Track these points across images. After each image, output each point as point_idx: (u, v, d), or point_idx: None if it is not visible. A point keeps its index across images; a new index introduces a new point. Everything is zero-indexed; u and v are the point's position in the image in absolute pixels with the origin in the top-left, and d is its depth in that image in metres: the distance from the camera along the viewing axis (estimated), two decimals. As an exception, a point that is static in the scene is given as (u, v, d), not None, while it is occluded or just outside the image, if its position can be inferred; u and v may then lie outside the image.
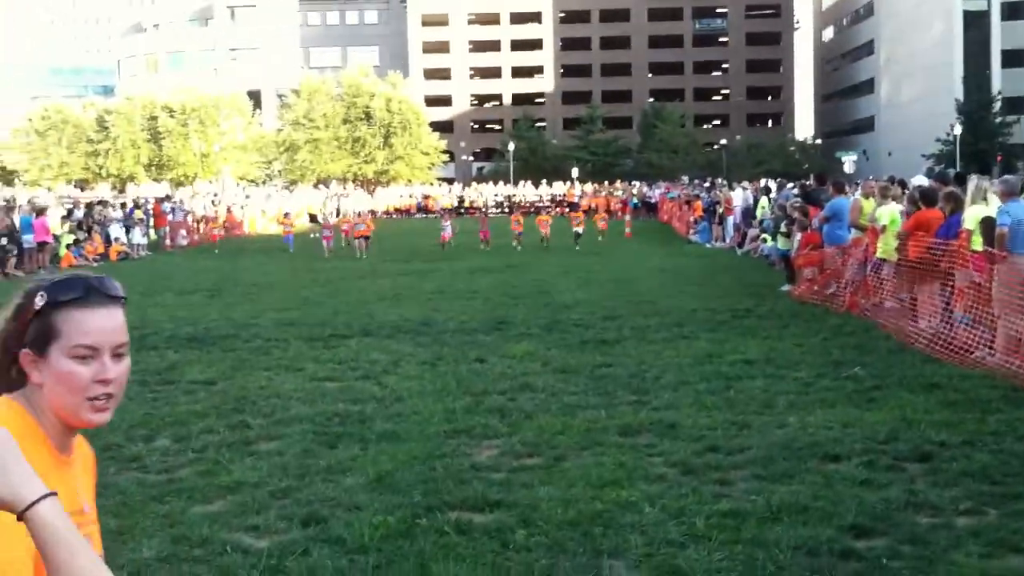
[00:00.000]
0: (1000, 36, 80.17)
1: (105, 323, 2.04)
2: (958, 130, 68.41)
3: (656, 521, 6.44)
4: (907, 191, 17.62)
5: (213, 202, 50.79)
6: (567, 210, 64.80)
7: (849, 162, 68.77)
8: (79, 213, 35.48)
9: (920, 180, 19.30)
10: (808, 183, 27.60)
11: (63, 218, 31.58)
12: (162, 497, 7.21)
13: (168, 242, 39.27)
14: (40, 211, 29.88)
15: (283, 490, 7.31)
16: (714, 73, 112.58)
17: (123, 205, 40.78)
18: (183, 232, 41.38)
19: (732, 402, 9.82)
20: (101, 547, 2.13)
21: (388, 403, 10.14)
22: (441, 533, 6.32)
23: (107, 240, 33.76)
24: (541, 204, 66.27)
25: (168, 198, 48.26)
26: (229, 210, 48.72)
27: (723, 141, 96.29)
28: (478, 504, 6.89)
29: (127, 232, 35.41)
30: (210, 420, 9.55)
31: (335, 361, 12.62)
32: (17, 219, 28.89)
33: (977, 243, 12.19)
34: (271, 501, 7.07)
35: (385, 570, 5.78)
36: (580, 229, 33.44)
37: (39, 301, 2.04)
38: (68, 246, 30.59)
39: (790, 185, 29.62)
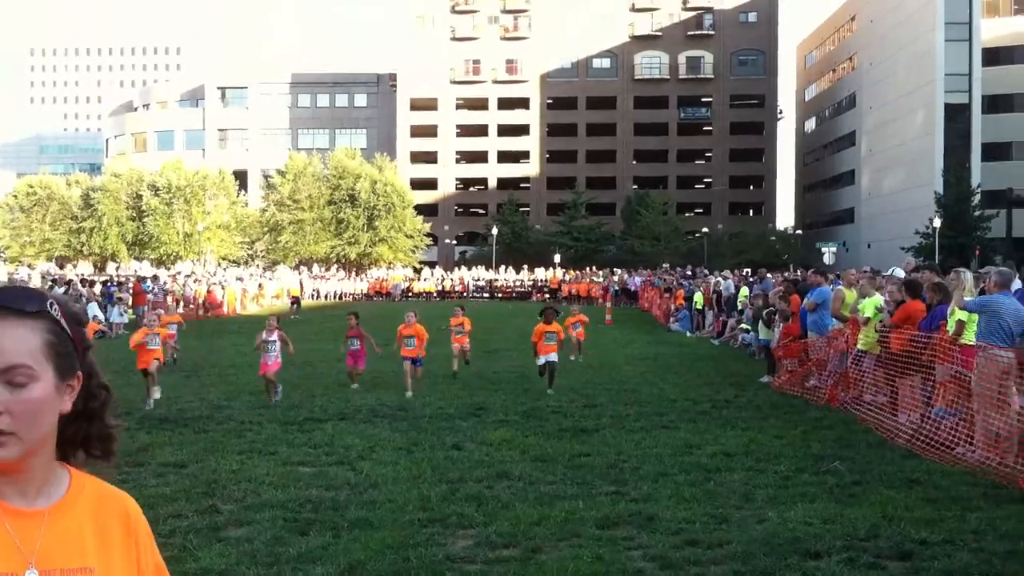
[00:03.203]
0: (981, 129, 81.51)
1: None
2: (937, 223, 69.14)
3: (632, 618, 6.28)
4: (879, 279, 17.68)
5: (186, 283, 50.46)
6: (546, 296, 64.88)
7: (829, 253, 69.26)
8: (58, 290, 35.28)
9: (899, 272, 19.38)
10: (796, 275, 27.73)
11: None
12: (125, 585, 7.00)
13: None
14: (19, 287, 29.72)
15: (251, 579, 7.12)
16: (697, 161, 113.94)
17: (104, 283, 40.63)
18: (161, 311, 41.10)
19: (712, 495, 9.69)
20: None
21: (362, 489, 9.98)
22: (411, 627, 6.15)
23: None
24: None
25: (156, 278, 48.11)
26: (209, 290, 48.54)
27: (705, 229, 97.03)
28: (451, 597, 6.72)
29: (104, 310, 35.19)
30: (179, 504, 9.36)
31: (309, 445, 12.46)
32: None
33: (968, 336, 12.17)
34: (238, 591, 6.89)
35: (352, 666, 5.60)
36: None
37: None
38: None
39: (769, 276, 29.75)
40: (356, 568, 7.34)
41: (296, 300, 50.81)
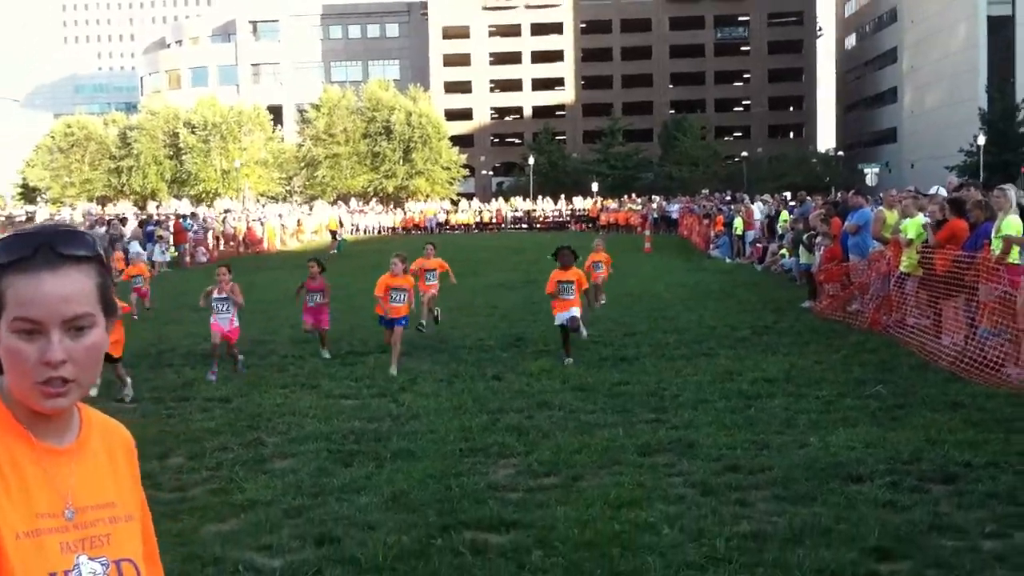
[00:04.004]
0: (1024, 42, 79.55)
1: (51, 290, 1.68)
2: (982, 140, 67.85)
3: (675, 543, 6.33)
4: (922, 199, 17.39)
5: (225, 219, 50.79)
6: (587, 226, 64.58)
7: (872, 174, 68.20)
8: (100, 230, 35.62)
9: (942, 191, 19.07)
10: (837, 197, 27.35)
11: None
12: (175, 515, 7.15)
13: (188, 259, 39.42)
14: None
15: (297, 509, 7.25)
16: (736, 83, 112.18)
17: (143, 222, 40.99)
18: (202, 249, 41.52)
19: (752, 421, 9.69)
20: (133, 546, 1.83)
21: (404, 421, 10.08)
22: (456, 553, 6.24)
23: (127, 256, 33.86)
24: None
25: (195, 215, 48.49)
26: (249, 226, 48.86)
27: (744, 153, 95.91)
28: (494, 524, 6.80)
29: (143, 247, 35.53)
30: (225, 437, 9.51)
31: (351, 378, 12.57)
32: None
33: (1014, 256, 11.97)
34: (284, 520, 7.01)
35: (398, 593, 5.69)
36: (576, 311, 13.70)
37: None
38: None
39: (809, 199, 29.39)
40: (400, 497, 7.43)
41: (335, 235, 50.90)
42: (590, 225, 64.98)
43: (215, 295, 13.29)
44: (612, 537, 6.45)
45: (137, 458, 1.96)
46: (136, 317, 18.89)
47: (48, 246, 1.70)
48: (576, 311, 13.60)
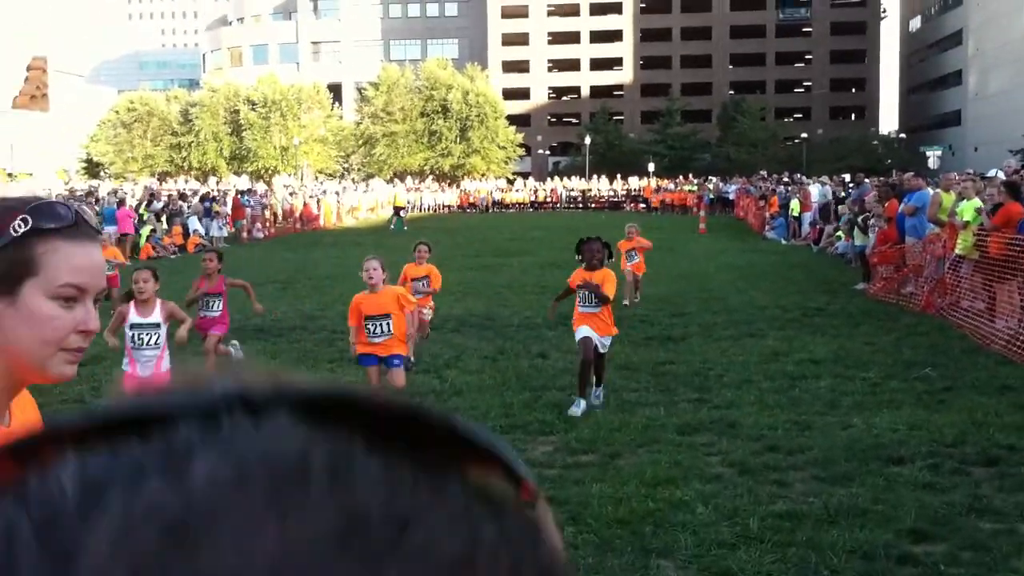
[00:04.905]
0: (1094, 26, 77.64)
1: (98, 261, 1.68)
2: (1048, 124, 66.34)
3: (708, 521, 6.33)
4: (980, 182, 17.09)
5: (291, 193, 51.38)
6: (641, 206, 64.21)
7: (934, 157, 66.98)
8: (158, 204, 36.12)
9: (1000, 175, 18.72)
10: (894, 179, 26.93)
11: (142, 207, 32.20)
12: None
13: (245, 234, 39.84)
14: (121, 201, 30.51)
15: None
16: (797, 64, 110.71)
17: (202, 198, 41.45)
18: (259, 225, 41.95)
19: (796, 402, 9.63)
20: None
21: (446, 397, 10.14)
22: (489, 529, 6.27)
23: (185, 231, 34.35)
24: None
25: (251, 191, 48.91)
26: (306, 203, 49.25)
27: (804, 135, 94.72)
28: (529, 500, 6.82)
29: (200, 222, 35.99)
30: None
31: (398, 353, 12.63)
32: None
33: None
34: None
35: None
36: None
37: (19, 225, 1.59)
38: (147, 237, 31.16)
39: (867, 181, 28.91)
40: (437, 472, 7.48)
41: (398, 212, 50.50)
42: (644, 205, 64.62)
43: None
44: (645, 515, 6.47)
45: None
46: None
47: (83, 218, 1.69)
48: (590, 332, 9.67)
